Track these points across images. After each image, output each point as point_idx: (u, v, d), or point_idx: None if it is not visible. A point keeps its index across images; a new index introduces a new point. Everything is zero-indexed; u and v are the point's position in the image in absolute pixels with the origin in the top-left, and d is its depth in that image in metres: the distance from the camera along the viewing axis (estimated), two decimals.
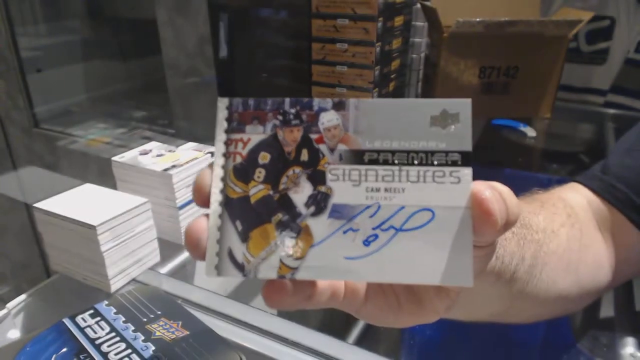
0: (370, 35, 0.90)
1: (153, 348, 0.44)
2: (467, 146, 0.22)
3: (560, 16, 1.03)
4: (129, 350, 0.43)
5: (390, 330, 0.74)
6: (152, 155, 0.72)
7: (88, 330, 0.46)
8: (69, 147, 1.39)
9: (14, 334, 0.60)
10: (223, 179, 0.23)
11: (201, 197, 0.23)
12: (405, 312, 0.28)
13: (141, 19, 1.45)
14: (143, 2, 1.38)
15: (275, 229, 0.22)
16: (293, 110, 0.23)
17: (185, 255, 0.71)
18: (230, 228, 0.23)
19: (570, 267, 0.42)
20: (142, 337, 0.45)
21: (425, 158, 0.22)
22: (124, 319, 0.47)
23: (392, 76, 1.03)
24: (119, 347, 0.44)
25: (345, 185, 0.22)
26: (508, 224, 0.22)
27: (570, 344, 0.55)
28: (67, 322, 0.47)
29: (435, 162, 0.22)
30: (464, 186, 0.22)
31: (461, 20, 0.90)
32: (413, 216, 0.22)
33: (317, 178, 0.23)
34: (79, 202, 0.63)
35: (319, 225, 0.22)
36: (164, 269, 0.68)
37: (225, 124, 0.23)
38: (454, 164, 0.22)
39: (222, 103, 0.24)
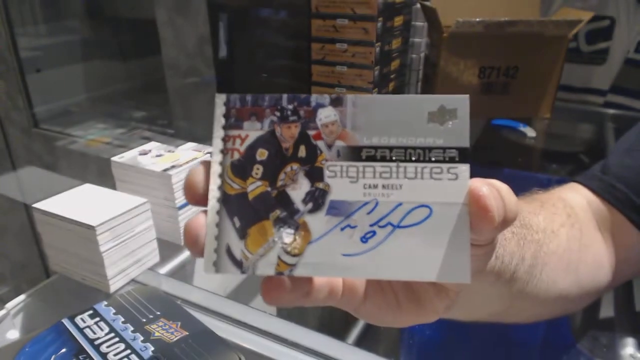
0: (369, 35, 0.90)
1: (152, 348, 0.44)
2: (465, 142, 0.22)
3: (560, 16, 1.03)
4: (128, 351, 0.43)
5: (389, 330, 0.74)
6: (152, 155, 0.72)
7: (87, 331, 0.46)
8: (68, 147, 1.39)
9: (13, 334, 0.60)
10: (221, 176, 0.23)
11: (192, 195, 0.23)
12: (405, 312, 0.28)
13: (141, 19, 1.45)
14: (143, 2, 1.38)
15: (273, 225, 0.22)
16: (290, 107, 0.23)
17: (184, 255, 0.71)
18: (228, 225, 0.22)
19: (570, 267, 0.42)
20: (142, 338, 0.45)
21: (423, 154, 0.22)
22: (123, 319, 0.47)
23: (392, 76, 1.03)
24: (118, 347, 0.44)
25: (343, 182, 0.22)
26: (506, 222, 0.22)
27: (570, 344, 0.55)
28: (66, 322, 0.47)
29: (433, 159, 0.22)
30: (462, 183, 0.22)
31: (461, 20, 0.90)
32: (411, 213, 0.22)
33: (315, 175, 0.23)
34: (79, 203, 0.63)
35: (317, 222, 0.22)
36: (163, 270, 0.68)
37: (222, 120, 0.23)
38: (452, 160, 0.22)
39: (220, 99, 0.24)
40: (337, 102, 0.23)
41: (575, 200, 0.47)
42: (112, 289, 0.62)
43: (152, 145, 0.76)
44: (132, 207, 0.62)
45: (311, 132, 0.23)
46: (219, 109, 0.23)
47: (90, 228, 0.58)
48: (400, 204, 0.22)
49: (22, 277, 1.69)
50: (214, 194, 0.23)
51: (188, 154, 0.73)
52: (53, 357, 0.43)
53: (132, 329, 0.46)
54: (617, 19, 1.15)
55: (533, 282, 0.37)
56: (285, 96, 0.23)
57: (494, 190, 0.22)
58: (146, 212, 0.64)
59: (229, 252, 0.22)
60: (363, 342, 0.72)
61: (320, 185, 0.22)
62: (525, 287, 0.36)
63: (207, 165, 0.23)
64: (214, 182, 0.23)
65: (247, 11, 1.13)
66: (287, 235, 0.22)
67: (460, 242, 0.22)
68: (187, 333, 0.46)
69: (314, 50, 0.96)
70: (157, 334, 0.45)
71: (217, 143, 0.23)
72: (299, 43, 1.03)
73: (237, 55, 1.17)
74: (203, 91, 1.18)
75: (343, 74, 0.95)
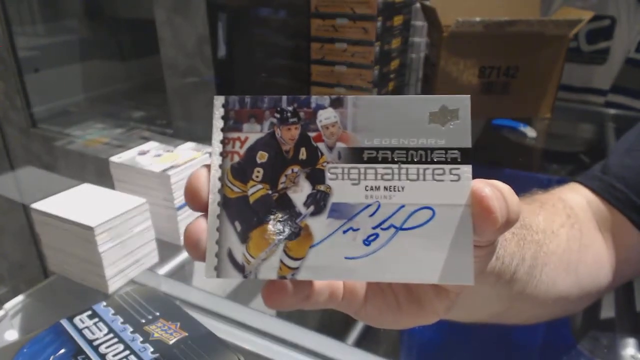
0: (369, 34, 0.90)
1: (151, 349, 0.43)
2: (467, 143, 0.22)
3: (560, 16, 1.03)
4: (127, 352, 0.43)
5: (389, 331, 0.74)
6: (151, 155, 0.72)
7: (86, 332, 0.45)
8: (66, 147, 1.39)
9: (12, 335, 0.60)
10: (221, 179, 0.23)
11: (196, 201, 0.22)
12: (405, 313, 0.27)
13: (140, 19, 1.45)
14: (141, 2, 1.37)
15: (274, 229, 0.22)
16: (290, 108, 0.23)
17: (183, 256, 0.71)
18: (229, 229, 0.22)
19: (570, 267, 0.42)
20: (141, 339, 0.45)
21: (425, 156, 0.22)
22: (122, 320, 0.47)
23: (392, 76, 1.03)
24: (117, 348, 0.44)
25: (345, 184, 0.22)
26: (509, 223, 0.22)
27: (571, 345, 0.54)
28: (64, 323, 0.47)
29: (435, 160, 0.22)
30: (464, 184, 0.22)
31: (461, 19, 0.90)
32: (413, 215, 0.22)
33: (316, 177, 0.22)
34: (77, 203, 0.63)
35: (319, 225, 0.22)
36: (162, 270, 0.68)
37: (221, 123, 0.23)
38: (454, 161, 0.22)
39: (218, 101, 0.23)
40: (337, 103, 0.22)
41: (575, 201, 0.47)
42: (111, 289, 0.61)
43: (151, 145, 0.75)
44: (131, 207, 0.62)
45: (312, 134, 0.22)
46: (218, 111, 0.23)
47: (89, 228, 0.57)
48: (402, 206, 0.22)
49: (20, 277, 1.68)
50: (214, 197, 0.22)
51: (187, 153, 0.72)
52: (52, 357, 0.42)
53: (131, 329, 0.46)
54: (618, 18, 1.15)
55: (533, 282, 0.37)
56: (284, 97, 0.23)
57: (496, 191, 0.22)
58: (145, 213, 0.64)
59: (231, 257, 0.22)
60: (363, 343, 0.72)
61: (322, 187, 0.22)
62: (525, 287, 0.36)
63: (208, 169, 0.23)
64: (214, 186, 0.23)
65: (246, 11, 1.13)
66: (289, 239, 0.22)
67: (463, 243, 0.21)
68: (187, 334, 0.45)
69: (314, 50, 0.96)
70: (156, 334, 0.45)
71: (217, 146, 0.23)
72: (298, 43, 1.02)
73: (237, 55, 1.16)
74: (202, 91, 1.17)
75: (343, 74, 0.95)
